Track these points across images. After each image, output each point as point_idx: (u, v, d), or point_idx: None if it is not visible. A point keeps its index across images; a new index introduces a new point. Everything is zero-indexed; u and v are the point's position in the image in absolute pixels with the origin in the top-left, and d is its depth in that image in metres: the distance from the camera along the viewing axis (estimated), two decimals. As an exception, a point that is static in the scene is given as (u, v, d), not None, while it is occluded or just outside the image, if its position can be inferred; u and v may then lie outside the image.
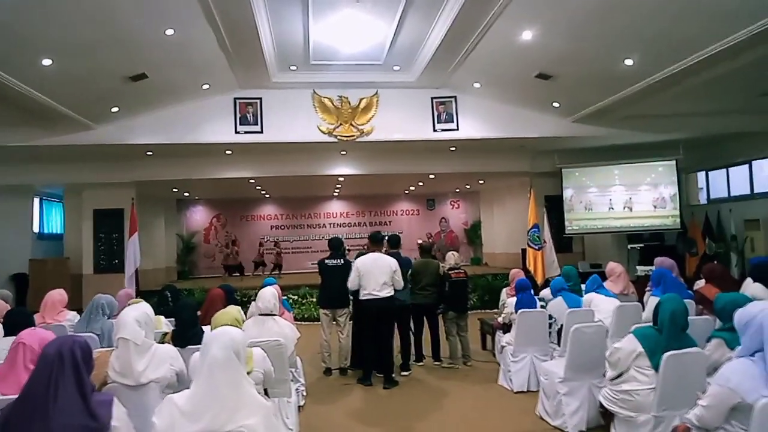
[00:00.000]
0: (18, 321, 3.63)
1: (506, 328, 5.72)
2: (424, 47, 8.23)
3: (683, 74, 7.41)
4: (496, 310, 7.15)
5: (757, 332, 2.23)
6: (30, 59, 6.38)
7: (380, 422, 4.68)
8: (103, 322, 4.27)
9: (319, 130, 9.66)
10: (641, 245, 11.62)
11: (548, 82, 8.46)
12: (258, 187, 15.00)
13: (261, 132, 9.55)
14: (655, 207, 11.47)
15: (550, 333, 5.26)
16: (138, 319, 2.83)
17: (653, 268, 5.42)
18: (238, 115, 9.49)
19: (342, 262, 6.18)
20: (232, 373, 2.10)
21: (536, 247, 9.35)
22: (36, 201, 13.13)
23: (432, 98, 9.96)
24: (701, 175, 12.57)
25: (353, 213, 18.79)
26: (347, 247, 9.02)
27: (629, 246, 11.82)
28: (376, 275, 5.66)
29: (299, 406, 4.76)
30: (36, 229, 13.06)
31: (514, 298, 5.51)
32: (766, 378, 2.16)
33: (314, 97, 9.70)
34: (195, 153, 10.58)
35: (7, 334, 3.55)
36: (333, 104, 9.72)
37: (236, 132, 9.51)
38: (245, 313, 5.50)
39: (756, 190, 10.88)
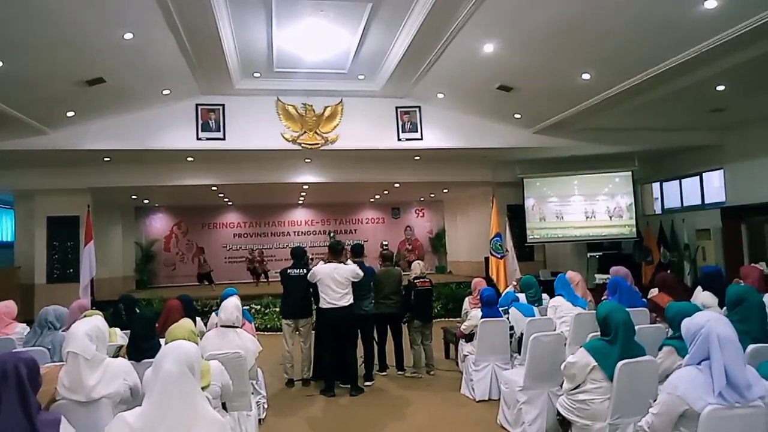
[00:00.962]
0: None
1: (469, 337, 5.76)
2: (388, 57, 8.28)
3: (637, 89, 7.74)
4: (459, 319, 7.20)
5: (703, 342, 2.32)
6: (-25, 60, 6.12)
7: (342, 434, 4.63)
8: (54, 336, 4.06)
9: (283, 137, 9.53)
10: (600, 253, 11.96)
11: (510, 94, 8.62)
12: (221, 195, 14.75)
13: (224, 139, 9.35)
14: (610, 217, 11.83)
15: (510, 342, 5.34)
16: (89, 333, 2.73)
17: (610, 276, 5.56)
18: (200, 122, 9.27)
19: (304, 271, 6.10)
20: (187, 388, 2.03)
21: (499, 256, 9.49)
22: (-17, 207, 12.60)
23: (396, 108, 9.98)
24: (656, 185, 13.02)
25: (318, 221, 18.70)
26: (312, 256, 8.98)
27: (588, 254, 12.15)
28: (333, 286, 5.66)
29: (260, 419, 4.68)
30: (-17, 236, 12.51)
31: (478, 310, 5.50)
32: (712, 386, 2.24)
33: (278, 104, 9.56)
34: (155, 159, 10.30)
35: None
36: (297, 112, 9.61)
37: (198, 139, 9.27)
38: (205, 324, 5.43)
39: (706, 201, 11.32)
